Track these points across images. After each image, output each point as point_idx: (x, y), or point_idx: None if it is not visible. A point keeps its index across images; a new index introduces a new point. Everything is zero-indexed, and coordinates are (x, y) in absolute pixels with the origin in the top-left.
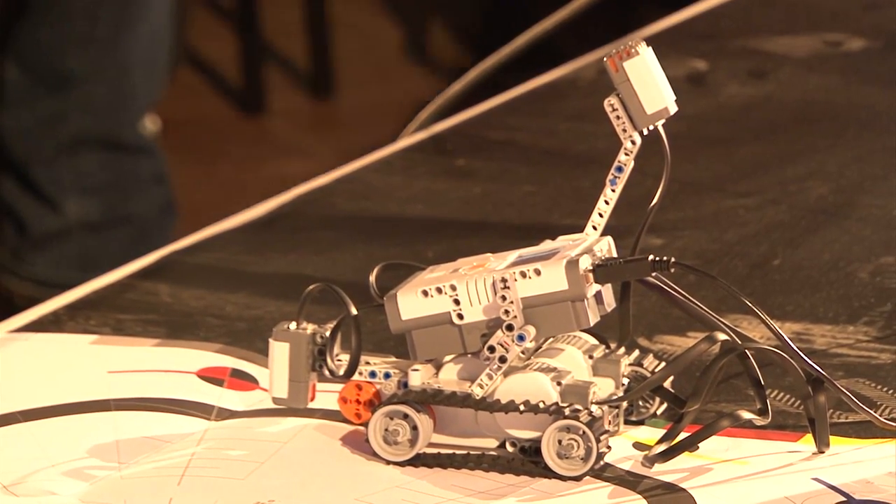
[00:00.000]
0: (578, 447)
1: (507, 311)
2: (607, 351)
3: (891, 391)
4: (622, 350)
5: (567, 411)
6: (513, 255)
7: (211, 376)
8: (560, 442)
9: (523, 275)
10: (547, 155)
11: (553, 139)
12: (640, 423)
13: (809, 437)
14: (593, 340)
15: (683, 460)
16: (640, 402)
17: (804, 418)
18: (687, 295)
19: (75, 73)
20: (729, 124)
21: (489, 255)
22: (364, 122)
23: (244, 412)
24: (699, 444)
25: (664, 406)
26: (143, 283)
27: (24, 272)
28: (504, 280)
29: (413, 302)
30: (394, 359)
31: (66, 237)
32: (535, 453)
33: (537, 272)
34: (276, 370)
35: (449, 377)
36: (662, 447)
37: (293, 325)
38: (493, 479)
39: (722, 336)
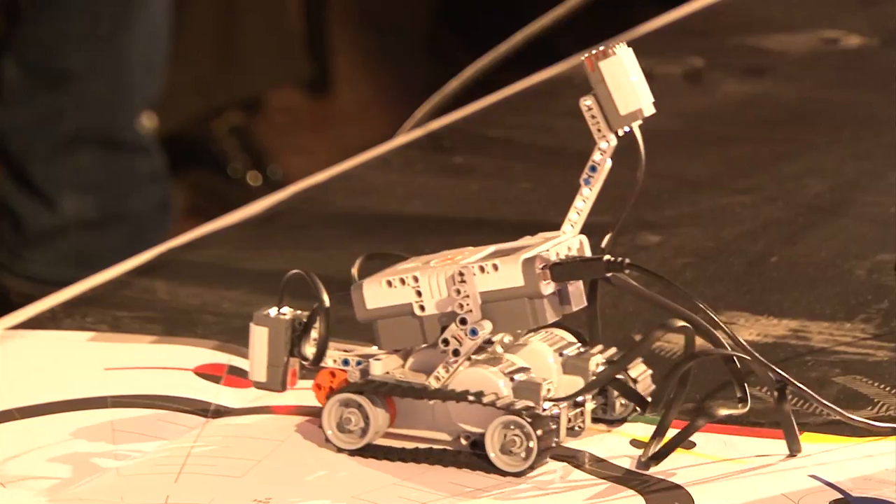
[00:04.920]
0: (521, 443)
1: (461, 305)
2: (581, 349)
3: (888, 388)
4: (596, 349)
5: (513, 407)
6: (488, 249)
7: (208, 373)
8: (504, 437)
9: (482, 269)
10: (544, 152)
11: (550, 136)
12: (621, 421)
13: (807, 434)
14: (570, 338)
15: (681, 459)
16: (620, 402)
17: (801, 416)
18: (653, 294)
19: (73, 71)
20: (726, 121)
21: (467, 248)
22: (361, 120)
23: (241, 409)
24: (692, 440)
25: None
26: (140, 280)
27: (20, 269)
28: (461, 273)
29: (377, 292)
30: (372, 348)
31: (63, 234)
32: (484, 447)
33: (495, 267)
34: (255, 354)
35: (412, 368)
36: (652, 449)
37: (273, 311)
38: (492, 478)
39: (679, 323)
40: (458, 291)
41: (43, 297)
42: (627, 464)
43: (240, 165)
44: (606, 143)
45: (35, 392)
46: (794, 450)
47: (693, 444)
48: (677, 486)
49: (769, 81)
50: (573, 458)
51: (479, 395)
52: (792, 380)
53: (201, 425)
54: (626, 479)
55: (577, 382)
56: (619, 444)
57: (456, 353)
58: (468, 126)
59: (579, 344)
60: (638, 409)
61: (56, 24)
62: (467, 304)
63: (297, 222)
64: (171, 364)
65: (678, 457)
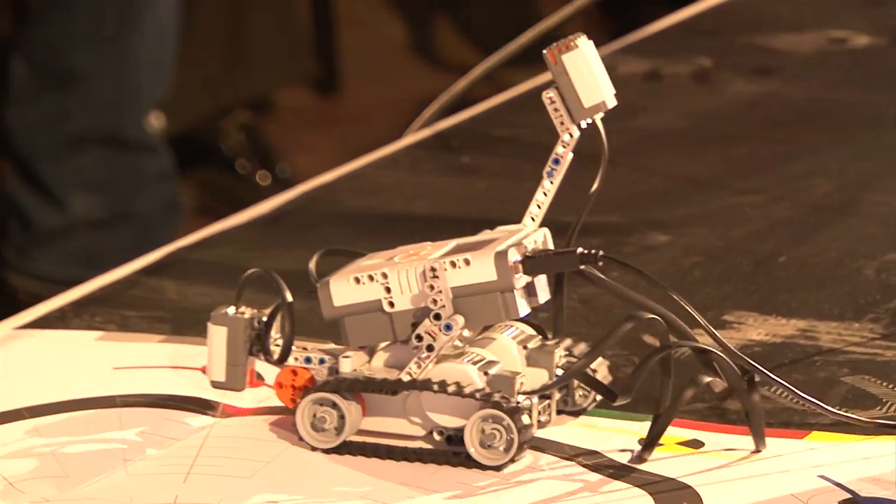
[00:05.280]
0: (501, 437)
1: (434, 301)
2: (543, 342)
3: None
4: (557, 341)
5: (494, 399)
6: (450, 245)
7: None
8: (483, 431)
9: (453, 264)
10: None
11: (557, 136)
12: (578, 413)
13: (816, 434)
14: (531, 331)
15: (690, 458)
16: (578, 393)
17: (809, 415)
18: (622, 287)
19: (80, 71)
20: (734, 121)
21: (427, 243)
22: (369, 119)
23: (250, 409)
24: (700, 440)
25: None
26: (148, 279)
27: (29, 269)
28: (433, 269)
29: (345, 289)
30: (331, 345)
31: (71, 234)
32: (460, 442)
33: (467, 262)
34: (214, 354)
35: (380, 364)
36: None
37: (231, 310)
38: (500, 475)
39: (647, 315)
40: (432, 287)
41: (51, 296)
42: (636, 463)
43: (248, 164)
44: (569, 136)
45: (43, 391)
46: (758, 446)
47: (701, 444)
48: (686, 486)
49: (777, 81)
50: (582, 458)
51: (461, 387)
52: (763, 369)
53: (210, 425)
54: (635, 478)
55: (542, 375)
56: (628, 442)
57: (430, 348)
58: (476, 126)
59: (540, 336)
60: (605, 398)
61: (63, 24)
62: (440, 300)
63: (305, 222)
64: (180, 363)
65: (687, 457)
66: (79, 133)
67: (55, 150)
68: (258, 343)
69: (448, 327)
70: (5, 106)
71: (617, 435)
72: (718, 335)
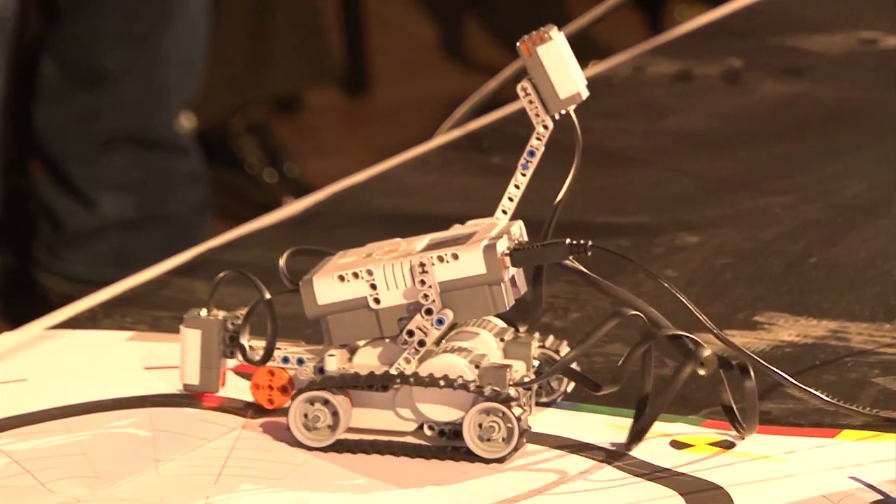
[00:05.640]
0: (500, 429)
1: (425, 296)
2: (517, 334)
3: None
4: (532, 333)
5: (492, 392)
6: (424, 240)
7: (247, 373)
8: (481, 425)
9: (441, 259)
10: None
11: (588, 137)
12: (549, 404)
13: (846, 433)
14: (502, 324)
15: (720, 459)
16: (548, 384)
17: (841, 416)
18: (601, 279)
19: (110, 71)
20: (764, 122)
21: (399, 239)
22: (399, 120)
23: (281, 410)
24: (731, 440)
25: (572, 385)
26: (179, 280)
27: (59, 269)
28: (422, 264)
29: (329, 287)
30: (304, 344)
31: (102, 234)
32: (453, 436)
33: (455, 256)
34: (187, 357)
35: (364, 362)
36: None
37: (204, 312)
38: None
39: (630, 311)
40: (423, 282)
41: (82, 296)
42: (667, 464)
43: (256, 162)
44: (544, 128)
45: (74, 392)
46: (745, 431)
47: (732, 445)
48: (717, 487)
49: (807, 82)
50: (612, 457)
51: (459, 381)
52: (757, 358)
53: (241, 426)
54: (665, 479)
55: (519, 367)
56: (658, 443)
57: (421, 343)
58: (506, 126)
59: (512, 329)
60: (588, 390)
61: (92, 24)
62: (431, 295)
63: (334, 223)
64: None
65: (717, 457)
66: (109, 133)
67: (85, 151)
68: (232, 344)
69: (440, 322)
70: (35, 106)
71: (648, 436)
72: (711, 324)
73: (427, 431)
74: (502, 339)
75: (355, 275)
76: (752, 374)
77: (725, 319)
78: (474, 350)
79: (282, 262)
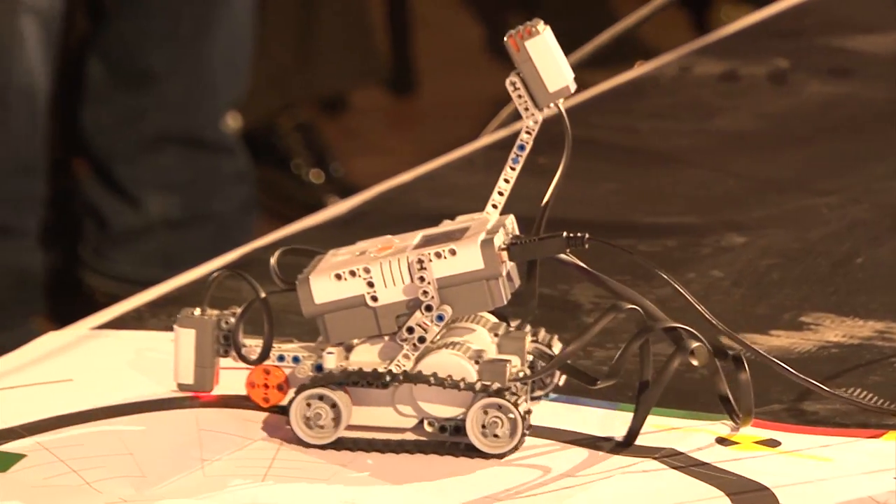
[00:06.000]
0: (503, 424)
1: (425, 293)
2: (509, 329)
3: None
4: (524, 327)
5: (495, 387)
6: (417, 237)
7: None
8: (484, 420)
9: (438, 255)
10: (628, 153)
11: (634, 137)
12: (540, 398)
13: (893, 434)
14: (494, 318)
15: (767, 459)
16: (541, 378)
17: (888, 416)
18: (597, 273)
19: (156, 70)
20: (811, 122)
21: (390, 236)
22: (445, 120)
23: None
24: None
25: (563, 379)
26: (225, 280)
27: (105, 269)
28: (420, 261)
29: (326, 285)
30: (297, 342)
31: (148, 234)
32: (454, 432)
33: (452, 252)
34: (181, 356)
35: (361, 359)
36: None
37: (197, 312)
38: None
39: (627, 305)
40: (423, 279)
41: (128, 296)
42: (713, 460)
43: (302, 162)
44: (534, 122)
45: (120, 391)
46: (745, 421)
47: (778, 444)
48: (763, 488)
49: (854, 82)
50: (660, 456)
51: (463, 379)
52: (755, 347)
53: (288, 426)
54: (711, 477)
55: (514, 362)
56: (704, 441)
57: (422, 339)
58: (552, 126)
59: (505, 324)
60: (584, 384)
61: (138, 23)
62: (430, 292)
63: (379, 223)
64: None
65: (763, 457)
66: (155, 133)
67: (131, 151)
68: (225, 343)
69: (440, 318)
70: (81, 106)
71: (696, 434)
72: (709, 313)
73: (427, 428)
74: (496, 334)
75: (352, 273)
76: (745, 365)
77: (771, 320)
78: (471, 345)
79: (273, 260)
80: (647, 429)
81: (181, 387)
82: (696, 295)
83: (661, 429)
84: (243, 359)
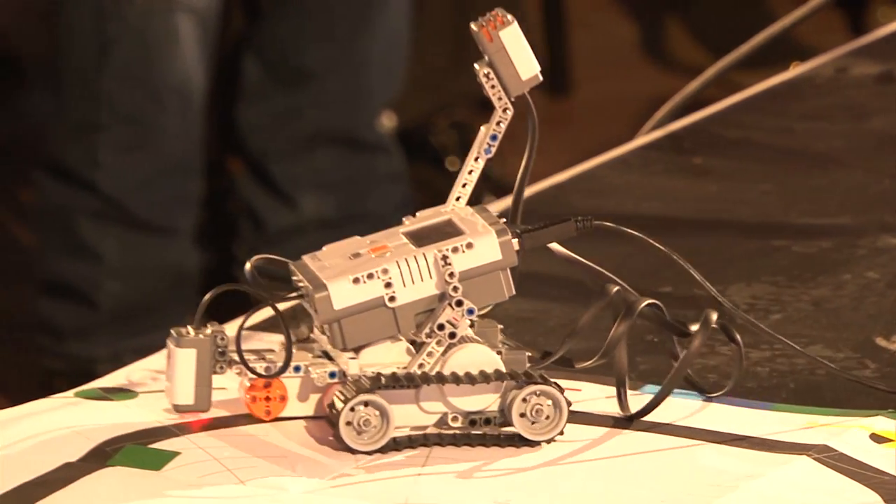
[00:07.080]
0: (548, 411)
1: (455, 288)
2: (479, 317)
3: None
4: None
5: (537, 376)
6: (400, 237)
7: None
8: (524, 409)
9: (455, 250)
10: (783, 154)
11: (790, 138)
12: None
13: None
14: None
15: None
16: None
17: None
18: (580, 258)
19: (312, 70)
20: None
21: (361, 237)
22: (600, 120)
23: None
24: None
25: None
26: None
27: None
28: (445, 257)
29: (345, 290)
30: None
31: (302, 234)
32: (484, 423)
33: (470, 245)
34: (179, 377)
35: (372, 361)
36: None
37: (191, 330)
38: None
39: (613, 288)
40: (452, 274)
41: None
42: (868, 459)
43: (458, 160)
44: (506, 112)
45: None
46: (720, 391)
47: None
48: None
49: None
50: (813, 453)
51: (494, 372)
52: (756, 322)
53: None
54: (868, 478)
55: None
56: (858, 436)
57: (452, 335)
58: (708, 127)
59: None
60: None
61: (294, 23)
62: (460, 287)
63: (534, 222)
64: None
65: None
66: (311, 133)
67: (287, 150)
68: (223, 360)
69: (471, 311)
70: (238, 104)
71: (848, 431)
72: (708, 284)
73: (451, 422)
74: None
75: (370, 275)
76: (738, 337)
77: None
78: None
79: (248, 267)
80: (796, 426)
81: (178, 408)
82: (850, 296)
83: (812, 426)
84: (254, 373)
